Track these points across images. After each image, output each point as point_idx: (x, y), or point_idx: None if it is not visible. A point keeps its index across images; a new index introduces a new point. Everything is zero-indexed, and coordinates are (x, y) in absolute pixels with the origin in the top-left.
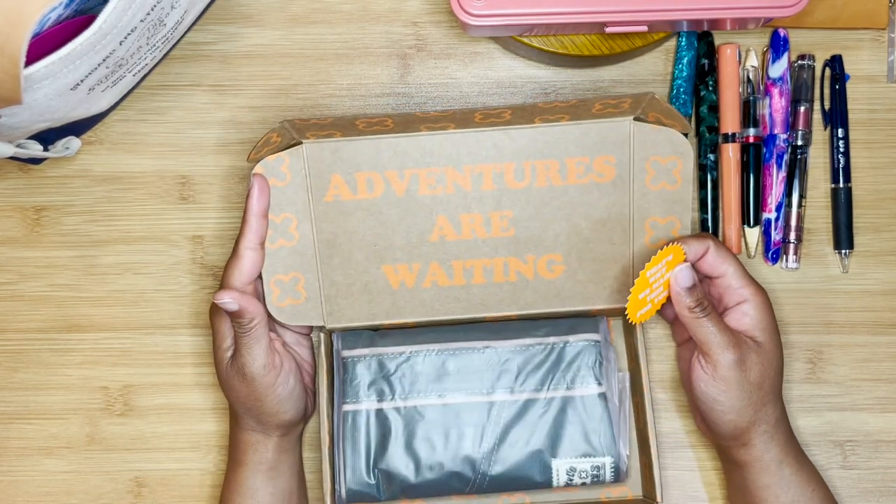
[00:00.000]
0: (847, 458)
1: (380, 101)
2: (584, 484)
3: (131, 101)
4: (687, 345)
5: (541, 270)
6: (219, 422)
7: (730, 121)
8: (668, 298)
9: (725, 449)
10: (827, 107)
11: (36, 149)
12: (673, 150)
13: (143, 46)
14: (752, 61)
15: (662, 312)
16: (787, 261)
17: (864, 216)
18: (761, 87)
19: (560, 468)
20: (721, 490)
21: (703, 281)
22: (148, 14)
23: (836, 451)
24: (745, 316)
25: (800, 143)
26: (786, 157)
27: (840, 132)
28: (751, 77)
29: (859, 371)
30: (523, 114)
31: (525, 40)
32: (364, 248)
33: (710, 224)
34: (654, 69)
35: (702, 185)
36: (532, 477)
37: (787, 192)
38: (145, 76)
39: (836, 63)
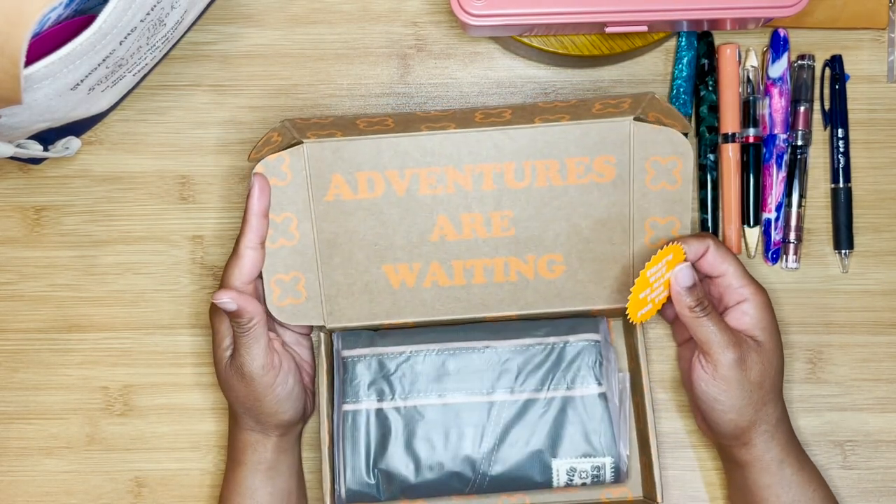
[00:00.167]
0: (847, 458)
1: (380, 101)
2: (584, 484)
3: (131, 101)
4: (687, 344)
5: (541, 270)
6: (218, 422)
7: (730, 121)
8: (669, 298)
9: (726, 448)
10: (827, 107)
11: (36, 149)
12: (673, 149)
13: (143, 46)
14: (752, 61)
15: (663, 312)
16: (787, 261)
17: (864, 216)
18: (761, 87)
19: (560, 468)
20: (721, 490)
21: (703, 280)
22: (148, 14)
23: (836, 451)
24: (746, 315)
25: (800, 143)
26: (786, 157)
27: (840, 132)
28: (751, 77)
29: (859, 371)
30: (524, 113)
31: (525, 40)
32: (365, 248)
33: (710, 224)
34: (654, 69)
35: (702, 185)
36: (532, 477)
37: (787, 192)
38: (145, 76)
39: (836, 63)
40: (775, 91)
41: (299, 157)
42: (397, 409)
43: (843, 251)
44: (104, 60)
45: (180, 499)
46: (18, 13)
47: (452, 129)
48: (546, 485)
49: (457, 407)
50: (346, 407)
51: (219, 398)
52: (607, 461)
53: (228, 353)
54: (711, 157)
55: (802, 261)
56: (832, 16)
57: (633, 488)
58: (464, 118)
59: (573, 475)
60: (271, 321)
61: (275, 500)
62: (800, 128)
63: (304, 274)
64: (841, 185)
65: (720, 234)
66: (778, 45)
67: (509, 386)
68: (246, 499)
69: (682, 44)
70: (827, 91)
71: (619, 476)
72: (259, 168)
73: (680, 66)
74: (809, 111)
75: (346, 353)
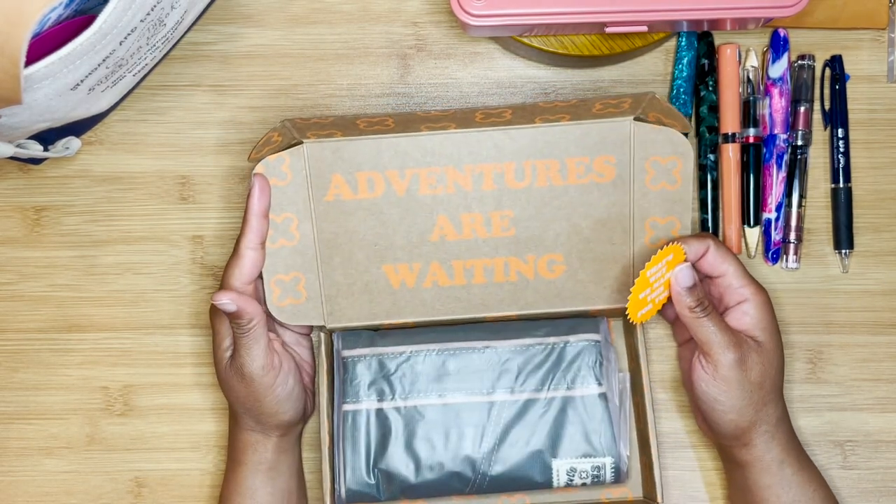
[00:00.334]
0: (847, 458)
1: (380, 101)
2: (584, 484)
3: (131, 101)
4: (688, 345)
5: (541, 270)
6: (218, 422)
7: (730, 121)
8: (669, 298)
9: (726, 449)
10: (827, 107)
11: (36, 149)
12: (673, 150)
13: (143, 46)
14: (752, 61)
15: (663, 312)
16: (787, 261)
17: (864, 216)
18: (761, 87)
19: (560, 468)
20: (721, 490)
21: (703, 280)
22: (148, 14)
23: (836, 451)
24: (746, 315)
25: (800, 143)
26: (786, 157)
27: (840, 132)
28: (751, 77)
29: (859, 371)
30: (524, 113)
31: (525, 40)
32: (365, 248)
33: (710, 224)
34: (654, 69)
35: (702, 185)
36: (532, 477)
37: (787, 192)
38: (145, 76)
39: (836, 63)
40: (775, 91)
41: (299, 158)
42: (397, 409)
43: (843, 251)
44: (104, 60)
45: (180, 499)
46: (18, 13)
47: (453, 130)
48: (546, 485)
49: (457, 407)
50: (347, 407)
51: (219, 398)
52: (607, 461)
53: (228, 353)
54: (711, 157)
55: (802, 261)
56: (832, 16)
57: (634, 488)
58: (464, 118)
59: (573, 475)
60: (271, 322)
61: (275, 500)
62: (800, 128)
63: (304, 274)
64: (841, 185)
65: (720, 234)
66: (778, 45)
67: (509, 386)
68: (246, 499)
69: (682, 44)
70: (827, 91)
71: (619, 476)
72: (259, 168)
73: (680, 66)
74: (809, 111)
75: (346, 353)
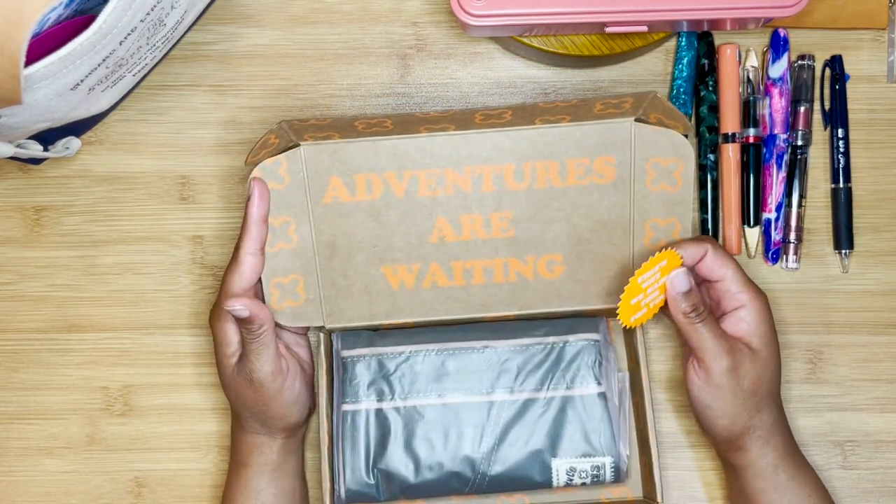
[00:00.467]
0: (847, 459)
1: (380, 101)
2: (584, 484)
3: (131, 101)
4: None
5: (541, 271)
6: (219, 422)
7: (730, 121)
8: (666, 302)
9: (722, 452)
10: (827, 107)
11: (36, 149)
12: (674, 151)
13: (143, 46)
14: (752, 61)
15: (666, 313)
16: (787, 261)
17: (864, 216)
18: (761, 87)
19: (560, 468)
20: (721, 490)
21: (701, 284)
22: (148, 14)
23: (836, 451)
24: (742, 322)
25: (800, 143)
26: (786, 157)
27: (840, 132)
28: (751, 77)
29: (859, 371)
30: (524, 114)
31: (525, 40)
32: (363, 250)
33: (710, 224)
34: (654, 69)
35: (702, 186)
36: (532, 477)
37: (787, 192)
38: (145, 76)
39: (836, 63)
40: (775, 91)
41: (296, 160)
42: (397, 409)
43: (843, 251)
44: (104, 60)
45: (180, 499)
46: (18, 13)
47: (452, 131)
48: (546, 485)
49: (456, 407)
50: (346, 407)
51: (219, 398)
52: (607, 461)
53: (234, 359)
54: (711, 157)
55: (802, 261)
56: (832, 16)
57: (633, 488)
58: (463, 119)
59: (573, 475)
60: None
61: (279, 500)
62: (800, 128)
63: (303, 276)
64: (841, 185)
65: (720, 234)
66: (778, 45)
67: (509, 386)
68: (251, 499)
69: (682, 44)
70: (827, 91)
71: (618, 476)
72: (256, 172)
73: (680, 66)
74: (809, 111)
75: (345, 353)
